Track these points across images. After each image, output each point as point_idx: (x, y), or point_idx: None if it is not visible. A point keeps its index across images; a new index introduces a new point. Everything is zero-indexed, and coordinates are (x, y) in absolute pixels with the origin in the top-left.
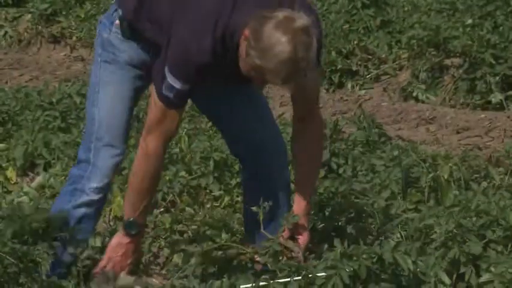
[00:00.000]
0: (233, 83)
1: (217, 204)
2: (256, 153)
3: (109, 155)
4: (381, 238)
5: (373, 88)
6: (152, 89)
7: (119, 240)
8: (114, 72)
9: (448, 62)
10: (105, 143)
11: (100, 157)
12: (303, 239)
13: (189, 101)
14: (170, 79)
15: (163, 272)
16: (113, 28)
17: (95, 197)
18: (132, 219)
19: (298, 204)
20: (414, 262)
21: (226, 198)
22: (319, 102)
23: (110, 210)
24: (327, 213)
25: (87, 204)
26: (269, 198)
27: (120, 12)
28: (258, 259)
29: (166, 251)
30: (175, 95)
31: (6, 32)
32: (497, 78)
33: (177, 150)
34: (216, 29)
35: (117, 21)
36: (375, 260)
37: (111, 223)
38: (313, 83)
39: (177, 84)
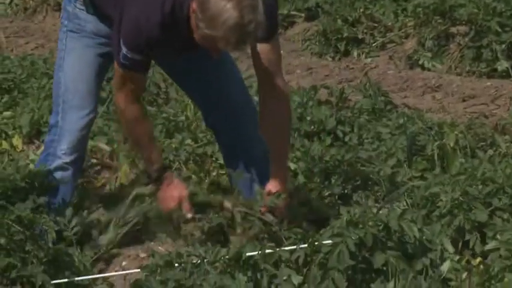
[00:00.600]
0: (190, 53)
1: (223, 172)
2: (233, 122)
3: (77, 116)
4: (387, 206)
5: (379, 56)
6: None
7: (159, 193)
8: (79, 39)
9: (454, 30)
10: (71, 105)
11: (67, 119)
12: (279, 211)
13: None
14: (125, 50)
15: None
16: (77, 4)
17: (67, 159)
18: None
19: (273, 178)
20: (420, 230)
21: None
22: (282, 75)
23: (116, 177)
24: (333, 181)
25: (62, 167)
26: (249, 167)
27: None
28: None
29: None
30: (132, 63)
31: (12, 0)
32: (503, 46)
33: (183, 118)
34: (164, 3)
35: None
36: (381, 227)
37: (117, 190)
38: (271, 49)
39: (131, 55)
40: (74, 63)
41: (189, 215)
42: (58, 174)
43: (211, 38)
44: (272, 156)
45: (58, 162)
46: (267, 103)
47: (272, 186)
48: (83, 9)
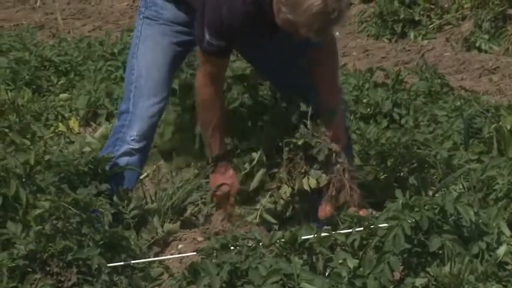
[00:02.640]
0: (273, 37)
1: None
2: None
3: (148, 103)
4: (443, 189)
5: (435, 38)
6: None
7: (214, 178)
8: (155, 27)
9: (511, 11)
10: (144, 92)
11: (139, 105)
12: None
13: None
14: (208, 37)
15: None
16: None
17: (136, 145)
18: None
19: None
20: (476, 213)
21: None
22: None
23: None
24: (389, 164)
25: (129, 153)
26: None
27: None
28: None
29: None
30: (215, 50)
31: None
32: None
33: None
34: None
35: None
36: (436, 211)
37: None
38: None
39: (215, 42)
40: (149, 51)
41: (229, 209)
42: (124, 160)
43: (293, 23)
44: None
45: (126, 148)
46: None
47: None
48: None
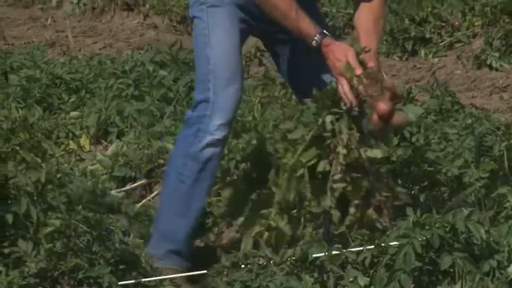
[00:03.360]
0: None
1: None
2: None
3: (230, 91)
4: (454, 207)
5: (446, 56)
6: None
7: (324, 51)
8: (222, 15)
9: None
10: (224, 80)
11: (221, 94)
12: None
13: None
14: None
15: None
16: None
17: (220, 135)
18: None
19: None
20: (487, 231)
21: None
22: None
23: None
24: (399, 182)
25: (213, 144)
26: None
27: None
28: None
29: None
30: None
31: (80, 0)
32: None
33: (250, 118)
34: None
35: None
36: (447, 229)
37: None
38: None
39: None
40: (222, 38)
41: (358, 71)
42: (209, 152)
43: None
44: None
45: (209, 139)
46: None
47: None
48: None
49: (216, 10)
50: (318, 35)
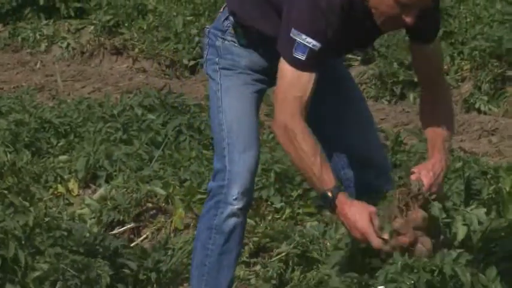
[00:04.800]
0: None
1: (278, 216)
2: (362, 169)
3: (245, 158)
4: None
5: None
6: (280, 65)
7: (343, 217)
8: (235, 77)
9: (510, 73)
10: (238, 147)
11: (236, 162)
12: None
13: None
14: (301, 39)
15: None
16: (227, 37)
17: (239, 204)
18: (324, 191)
19: (437, 157)
20: (475, 275)
21: (288, 210)
22: (444, 76)
23: (171, 222)
24: None
25: (234, 214)
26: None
27: (232, 19)
28: None
29: None
30: (308, 54)
31: (68, 44)
32: None
33: None
34: None
35: (231, 30)
36: (435, 273)
37: (172, 235)
38: (435, 52)
39: (309, 43)
40: (234, 103)
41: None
42: (231, 223)
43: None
44: (438, 142)
45: (230, 209)
46: (435, 95)
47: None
48: (234, 42)
49: (229, 73)
50: (334, 187)
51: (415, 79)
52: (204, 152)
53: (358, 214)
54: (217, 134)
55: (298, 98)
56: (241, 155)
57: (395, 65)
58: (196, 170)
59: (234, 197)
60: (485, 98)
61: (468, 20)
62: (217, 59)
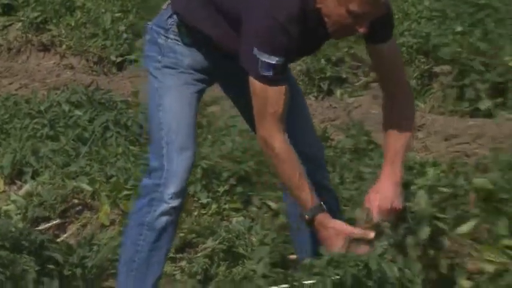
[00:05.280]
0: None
1: (205, 212)
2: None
3: (183, 157)
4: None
5: (362, 96)
6: (250, 80)
7: (317, 228)
8: (177, 76)
9: (437, 69)
10: (177, 146)
11: (174, 161)
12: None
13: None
14: (264, 58)
15: None
16: (169, 35)
17: (174, 203)
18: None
19: (387, 173)
20: (400, 269)
21: (214, 206)
22: (406, 78)
23: (97, 218)
24: None
25: (168, 212)
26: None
27: (175, 17)
28: None
29: None
30: (276, 71)
31: None
32: (486, 85)
33: None
34: None
35: (175, 28)
36: (361, 267)
37: (98, 231)
38: (391, 50)
39: (273, 59)
40: (175, 102)
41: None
42: (163, 220)
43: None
44: (390, 155)
45: (164, 207)
46: (396, 98)
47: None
48: (177, 40)
49: (171, 72)
50: (314, 208)
51: (343, 75)
52: (131, 148)
53: (334, 237)
54: (156, 133)
55: (273, 113)
56: (180, 155)
57: (322, 61)
58: (122, 166)
59: (170, 196)
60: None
61: (396, 16)
62: (159, 57)
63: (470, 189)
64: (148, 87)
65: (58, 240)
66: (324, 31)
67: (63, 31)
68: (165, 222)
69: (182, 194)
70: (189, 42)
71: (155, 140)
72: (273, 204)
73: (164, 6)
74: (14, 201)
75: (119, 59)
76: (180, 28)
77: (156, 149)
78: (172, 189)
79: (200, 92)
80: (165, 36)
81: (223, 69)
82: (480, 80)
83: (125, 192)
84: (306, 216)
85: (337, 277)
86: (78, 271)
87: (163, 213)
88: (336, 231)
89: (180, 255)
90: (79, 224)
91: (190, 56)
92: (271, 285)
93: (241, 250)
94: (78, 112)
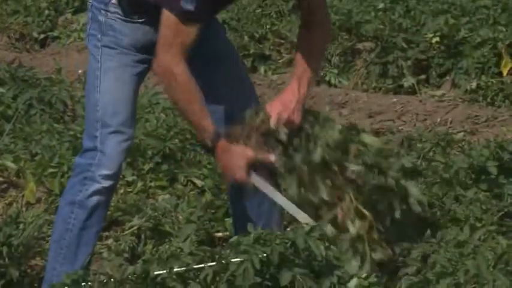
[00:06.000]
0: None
1: (130, 190)
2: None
3: (117, 140)
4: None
5: (286, 73)
6: (164, 15)
7: (218, 154)
8: (116, 57)
9: (360, 46)
10: (112, 130)
11: (108, 144)
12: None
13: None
14: None
15: None
16: (110, 8)
17: (106, 183)
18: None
19: (292, 88)
20: (327, 247)
21: (139, 184)
22: (327, 10)
23: (23, 196)
24: None
25: (100, 192)
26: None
27: None
28: None
29: None
30: (197, 6)
31: None
32: (409, 62)
33: None
34: None
35: (114, 0)
36: (288, 245)
37: (24, 209)
38: None
39: None
40: (112, 85)
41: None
42: (95, 199)
43: None
44: (299, 70)
45: (96, 187)
46: (314, 26)
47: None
48: (118, 13)
49: (111, 52)
50: (212, 136)
51: (266, 52)
52: (55, 125)
53: (235, 160)
54: (91, 114)
55: (180, 43)
56: (115, 138)
57: (246, 38)
58: (47, 143)
59: (102, 177)
60: (335, 71)
61: None
62: (99, 36)
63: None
64: (88, 67)
65: None
66: None
67: None
68: (96, 201)
69: (115, 176)
70: (129, 12)
71: (90, 120)
72: (198, 182)
73: None
74: None
75: (42, 36)
76: (120, 1)
77: (90, 129)
78: (105, 171)
79: (140, 75)
80: (105, 11)
81: None
82: (403, 57)
83: (50, 170)
84: (208, 142)
85: (264, 255)
86: (4, 249)
87: (95, 193)
88: (238, 154)
89: (107, 233)
90: (4, 202)
91: (130, 35)
92: (199, 263)
93: (167, 228)
94: (1, 89)
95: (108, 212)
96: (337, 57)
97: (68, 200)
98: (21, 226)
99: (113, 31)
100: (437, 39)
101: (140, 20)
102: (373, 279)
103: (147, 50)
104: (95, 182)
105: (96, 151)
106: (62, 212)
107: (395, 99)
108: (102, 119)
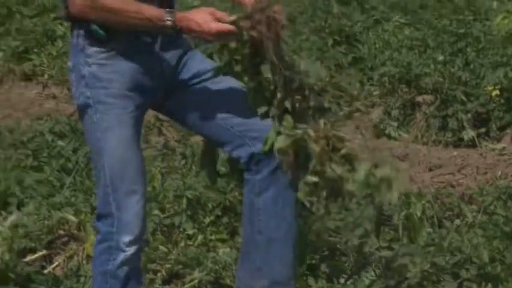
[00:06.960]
0: None
1: (191, 243)
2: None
3: (131, 202)
4: (354, 277)
5: (345, 125)
6: None
7: (184, 24)
8: (110, 115)
9: (419, 98)
10: (123, 192)
11: (123, 208)
12: None
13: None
14: None
15: None
16: (87, 51)
17: (132, 249)
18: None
19: None
20: None
21: (200, 237)
22: None
23: (83, 249)
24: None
25: (128, 260)
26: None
27: (81, 31)
28: None
29: None
30: None
31: None
32: (469, 115)
33: (150, 188)
34: None
35: (87, 41)
36: None
37: (84, 262)
38: None
39: None
40: (115, 145)
41: (232, 18)
42: (125, 269)
43: None
44: None
45: (123, 256)
46: None
47: None
48: (99, 58)
49: (104, 110)
50: (167, 14)
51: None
52: None
53: (200, 18)
54: (100, 178)
55: None
56: (128, 201)
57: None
58: None
59: (126, 244)
60: (395, 123)
61: (377, 45)
62: (89, 93)
63: None
64: (85, 131)
65: (45, 271)
66: None
67: (45, 60)
68: (128, 269)
69: (140, 237)
70: (105, 36)
71: (101, 185)
72: None
73: (70, 39)
74: None
75: None
76: (91, 34)
77: (102, 194)
78: (127, 237)
79: (139, 120)
80: (84, 59)
81: (158, 75)
82: (463, 110)
83: None
84: (168, 22)
85: None
86: None
87: (123, 263)
88: (198, 12)
89: (167, 286)
90: (65, 255)
91: (117, 80)
92: None
93: (228, 281)
94: (61, 142)
95: (169, 265)
96: (396, 110)
97: (99, 270)
98: (81, 280)
99: (99, 81)
100: (497, 92)
101: (119, 48)
102: None
103: (140, 86)
104: (121, 252)
105: (113, 218)
106: (97, 282)
107: (455, 153)
108: (112, 183)
